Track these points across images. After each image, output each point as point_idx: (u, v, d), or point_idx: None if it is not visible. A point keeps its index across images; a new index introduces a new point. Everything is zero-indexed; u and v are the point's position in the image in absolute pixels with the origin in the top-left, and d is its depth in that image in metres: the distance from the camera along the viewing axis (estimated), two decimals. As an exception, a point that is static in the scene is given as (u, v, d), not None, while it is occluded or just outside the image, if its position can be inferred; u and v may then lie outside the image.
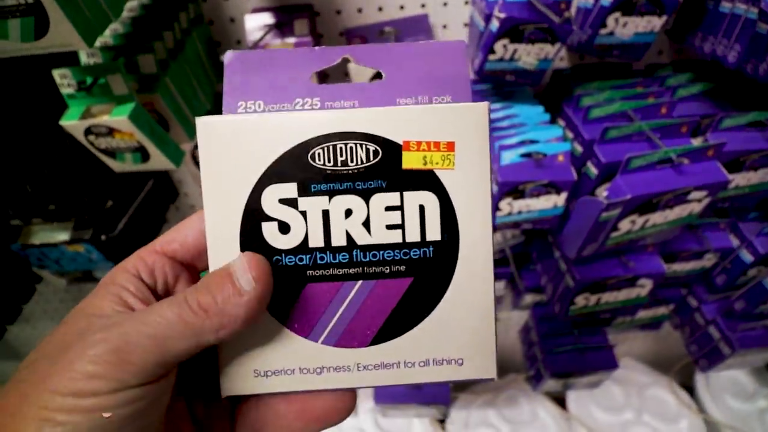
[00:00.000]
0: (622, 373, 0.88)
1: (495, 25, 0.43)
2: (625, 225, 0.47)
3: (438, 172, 0.20)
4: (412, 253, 0.20)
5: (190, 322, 0.16)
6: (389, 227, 0.20)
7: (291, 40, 0.51)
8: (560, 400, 0.87)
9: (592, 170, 0.48)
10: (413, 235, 0.20)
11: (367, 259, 0.20)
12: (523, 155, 0.47)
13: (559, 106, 0.54)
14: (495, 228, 0.51)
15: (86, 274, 0.61)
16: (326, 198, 0.20)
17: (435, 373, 0.20)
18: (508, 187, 0.46)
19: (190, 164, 0.59)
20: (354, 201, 0.20)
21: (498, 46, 0.44)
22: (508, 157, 0.46)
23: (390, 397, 0.73)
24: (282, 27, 0.51)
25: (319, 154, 0.19)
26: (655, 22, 0.45)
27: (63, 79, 0.41)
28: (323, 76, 0.59)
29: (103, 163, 0.46)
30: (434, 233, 0.20)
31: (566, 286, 0.59)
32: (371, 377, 0.20)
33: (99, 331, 0.16)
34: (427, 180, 0.20)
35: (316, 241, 0.20)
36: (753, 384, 0.86)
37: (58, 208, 0.52)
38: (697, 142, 0.48)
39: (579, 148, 0.50)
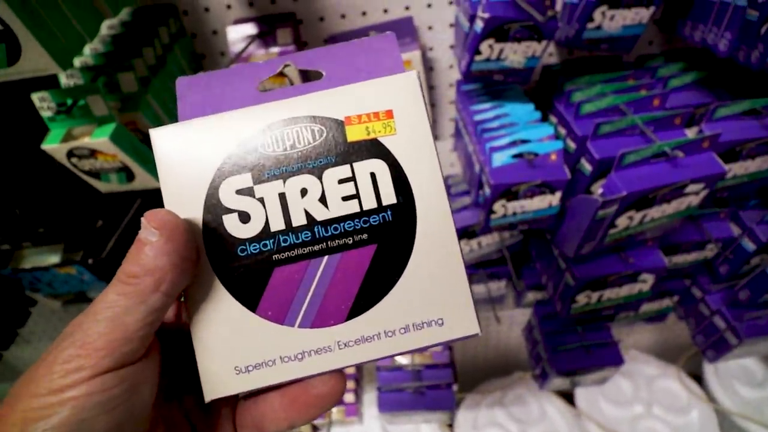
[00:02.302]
0: (629, 366, 0.88)
1: (479, 25, 0.42)
2: (622, 221, 0.46)
3: (382, 140, 0.20)
4: (371, 220, 0.20)
5: (129, 293, 0.17)
6: (345, 198, 0.20)
7: (275, 49, 0.51)
8: (569, 396, 0.86)
9: (586, 167, 0.47)
10: (369, 202, 0.20)
11: (329, 233, 0.20)
12: (515, 156, 0.46)
13: (550, 103, 0.53)
14: (490, 228, 0.51)
15: (80, 295, 0.60)
16: (281, 181, 0.20)
17: (417, 338, 0.20)
18: (500, 190, 0.45)
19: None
20: (307, 179, 0.20)
21: (484, 47, 0.44)
22: (500, 158, 0.46)
23: (393, 405, 0.72)
24: (265, 37, 0.51)
25: (267, 142, 0.20)
26: (643, 14, 0.44)
27: (42, 102, 0.40)
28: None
29: (89, 185, 0.46)
30: (389, 197, 0.20)
31: (566, 284, 0.58)
32: (354, 354, 0.20)
33: (67, 339, 0.17)
34: (374, 148, 0.20)
35: (277, 224, 0.20)
36: (763, 371, 0.85)
37: (47, 231, 0.52)
38: (691, 133, 0.47)
39: (572, 145, 0.49)
